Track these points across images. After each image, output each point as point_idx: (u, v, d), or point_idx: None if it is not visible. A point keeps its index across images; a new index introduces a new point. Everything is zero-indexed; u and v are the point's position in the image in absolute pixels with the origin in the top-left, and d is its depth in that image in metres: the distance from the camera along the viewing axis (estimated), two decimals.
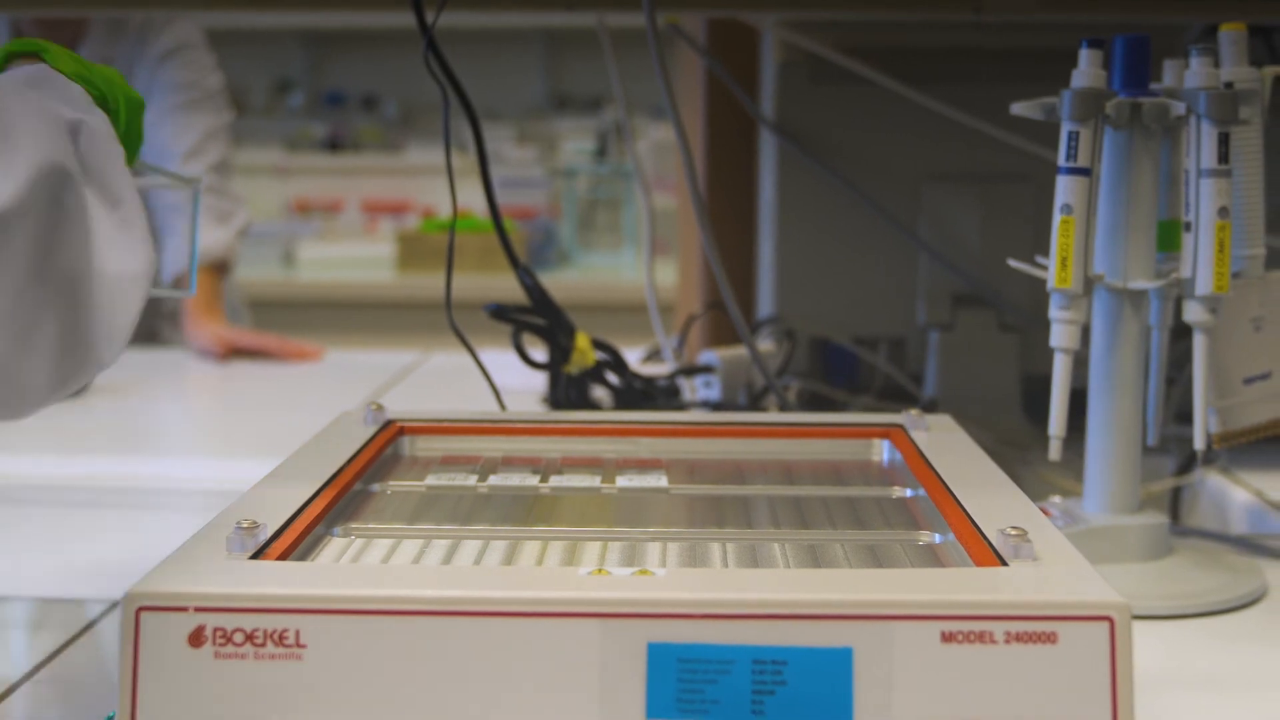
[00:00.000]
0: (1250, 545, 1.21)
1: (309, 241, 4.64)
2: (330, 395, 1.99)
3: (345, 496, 0.94)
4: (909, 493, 0.97)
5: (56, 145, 0.75)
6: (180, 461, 1.73)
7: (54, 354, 0.74)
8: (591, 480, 1.00)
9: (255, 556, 0.76)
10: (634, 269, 4.35)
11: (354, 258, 4.51)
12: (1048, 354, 1.05)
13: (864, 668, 0.68)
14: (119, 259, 0.78)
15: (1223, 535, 1.26)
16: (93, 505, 1.43)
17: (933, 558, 0.83)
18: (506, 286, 1.55)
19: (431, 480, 1.00)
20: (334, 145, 5.36)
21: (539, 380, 1.55)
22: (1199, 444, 1.08)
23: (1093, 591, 0.70)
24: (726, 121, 1.84)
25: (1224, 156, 1.02)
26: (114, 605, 1.07)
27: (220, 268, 2.49)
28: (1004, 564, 0.75)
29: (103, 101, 0.87)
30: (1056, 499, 1.14)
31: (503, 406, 1.35)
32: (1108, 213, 1.06)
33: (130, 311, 0.78)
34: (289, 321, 3.24)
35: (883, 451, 1.09)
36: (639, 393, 1.49)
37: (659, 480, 1.00)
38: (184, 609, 0.69)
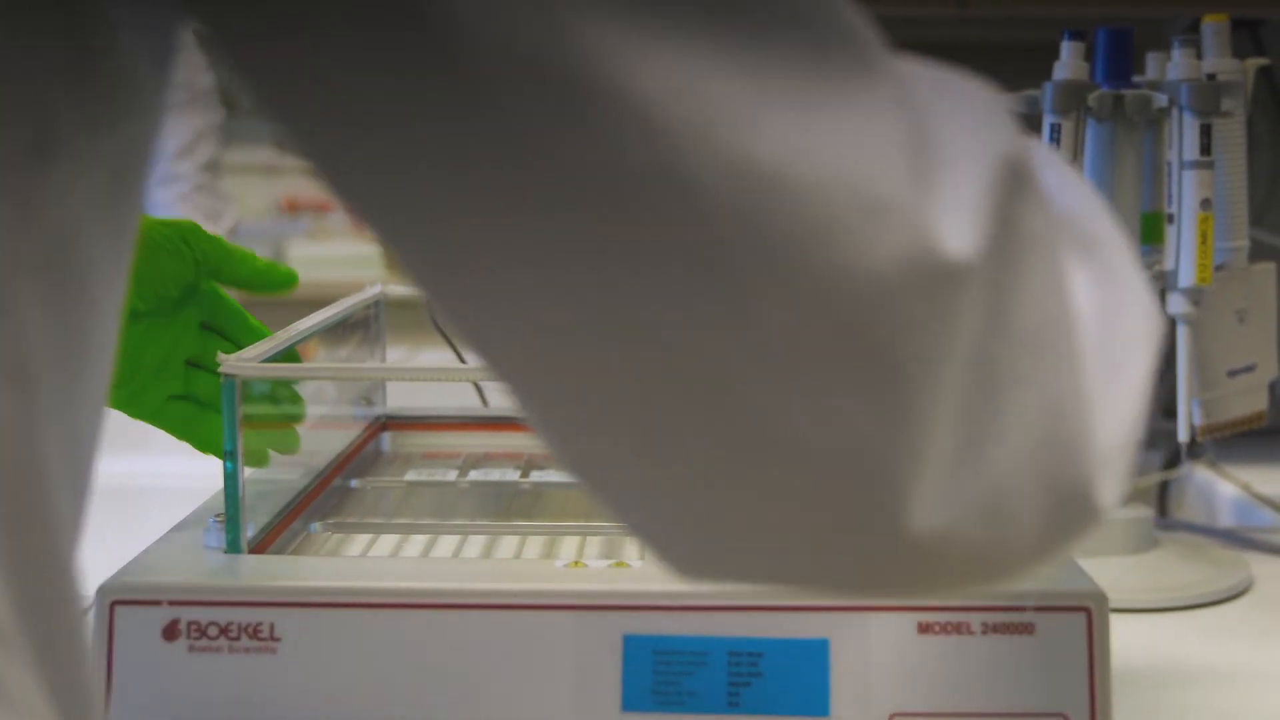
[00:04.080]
0: (1237, 538, 1.21)
1: (298, 240, 4.63)
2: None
3: (325, 491, 0.93)
4: None
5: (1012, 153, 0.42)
6: (169, 459, 1.72)
7: (1039, 470, 0.42)
8: None
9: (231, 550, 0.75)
10: None
11: (343, 257, 4.50)
12: None
13: (841, 659, 0.67)
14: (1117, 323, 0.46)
15: (1209, 528, 1.26)
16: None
17: None
18: None
19: (412, 475, 1.00)
20: None
21: None
22: (1183, 436, 1.07)
23: (1070, 582, 0.69)
24: None
25: (1206, 148, 1.02)
26: None
27: None
28: None
29: None
30: None
31: (485, 402, 1.34)
32: None
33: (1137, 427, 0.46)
34: (278, 320, 3.23)
35: None
36: None
37: None
38: (158, 602, 0.68)
